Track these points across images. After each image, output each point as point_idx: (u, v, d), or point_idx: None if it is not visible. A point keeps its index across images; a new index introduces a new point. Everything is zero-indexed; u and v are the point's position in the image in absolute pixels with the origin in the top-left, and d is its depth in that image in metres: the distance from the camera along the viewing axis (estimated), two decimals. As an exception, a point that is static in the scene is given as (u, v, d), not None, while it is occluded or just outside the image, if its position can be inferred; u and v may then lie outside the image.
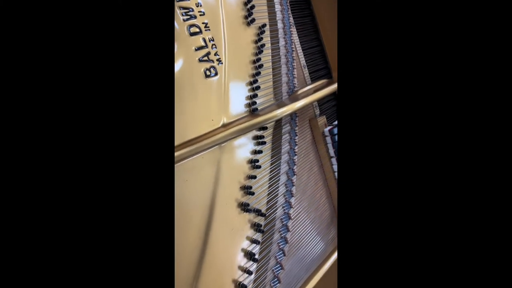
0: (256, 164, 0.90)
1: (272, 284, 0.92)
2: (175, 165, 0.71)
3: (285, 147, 1.02)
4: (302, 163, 1.09)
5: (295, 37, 1.13)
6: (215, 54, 0.83)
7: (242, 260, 0.85)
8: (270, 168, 0.96)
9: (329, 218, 1.18)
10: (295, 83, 1.08)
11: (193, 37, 0.78)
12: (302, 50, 1.15)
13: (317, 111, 1.18)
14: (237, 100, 0.88)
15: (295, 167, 1.04)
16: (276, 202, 0.97)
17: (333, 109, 1.26)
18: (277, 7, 1.05)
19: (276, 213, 0.96)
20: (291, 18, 1.11)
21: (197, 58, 0.79)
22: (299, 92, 1.08)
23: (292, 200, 1.01)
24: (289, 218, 1.00)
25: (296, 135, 1.06)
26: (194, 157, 0.75)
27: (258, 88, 0.93)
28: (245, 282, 0.83)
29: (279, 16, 1.05)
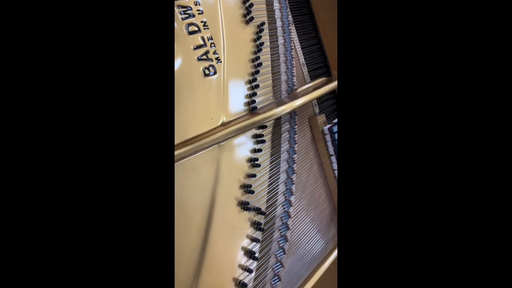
0: (256, 162, 0.90)
1: (272, 282, 0.92)
2: (175, 164, 0.71)
3: (285, 146, 1.02)
4: (302, 162, 1.09)
5: (294, 35, 1.12)
6: (214, 52, 0.83)
7: (242, 259, 0.85)
8: (270, 167, 0.96)
9: (329, 216, 1.18)
10: (294, 82, 1.08)
11: (191, 35, 0.78)
12: (301, 48, 1.15)
13: (317, 109, 1.18)
14: (236, 98, 0.88)
15: (294, 165, 1.04)
16: (276, 201, 0.97)
17: (332, 107, 1.26)
18: (276, 5, 1.04)
19: (276, 212, 0.96)
20: (290, 16, 1.11)
21: (195, 57, 0.79)
22: (298, 90, 1.08)
23: (292, 198, 1.01)
24: (289, 216, 1.00)
25: (296, 134, 1.06)
26: (193, 156, 0.75)
27: (257, 86, 0.93)
28: (246, 281, 0.83)
29: (277, 14, 1.05)
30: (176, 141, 0.72)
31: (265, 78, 0.97)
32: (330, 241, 1.16)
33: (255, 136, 0.92)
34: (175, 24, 0.75)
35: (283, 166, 1.01)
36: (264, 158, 0.94)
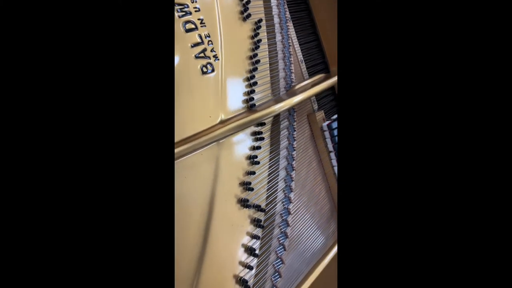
0: (255, 160, 0.91)
1: (273, 279, 0.93)
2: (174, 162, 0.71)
3: (284, 143, 1.02)
4: (301, 158, 1.09)
5: (291, 31, 1.12)
6: (212, 50, 0.83)
7: (242, 256, 0.85)
8: (269, 164, 0.97)
9: (329, 212, 1.18)
10: (292, 78, 1.08)
11: (188, 33, 0.78)
12: (299, 44, 1.15)
13: (315, 106, 1.18)
14: (234, 96, 0.88)
15: (294, 162, 1.04)
16: (275, 198, 0.97)
17: (331, 104, 1.26)
18: (273, 2, 1.04)
19: (275, 208, 0.97)
20: (287, 13, 1.11)
21: (193, 55, 0.78)
22: (297, 87, 1.08)
23: (292, 195, 1.02)
24: (289, 213, 1.00)
25: (295, 130, 1.06)
26: (192, 154, 0.75)
27: (255, 84, 0.93)
28: (246, 277, 0.84)
29: (275, 10, 1.05)
30: (175, 139, 0.72)
31: (263, 75, 0.97)
32: (330, 237, 1.16)
33: (254, 133, 0.92)
34: (172, 22, 0.75)
35: (282, 163, 1.01)
36: (263, 155, 0.95)
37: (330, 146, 1.14)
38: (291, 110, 1.06)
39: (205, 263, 0.76)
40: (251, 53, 0.94)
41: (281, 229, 0.98)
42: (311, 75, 1.18)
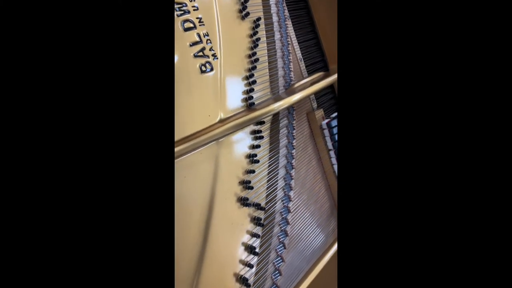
0: (255, 158, 0.91)
1: (273, 277, 0.93)
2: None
3: (283, 141, 1.03)
4: (301, 157, 1.09)
5: (290, 30, 1.12)
6: (210, 49, 0.82)
7: (242, 254, 0.85)
8: (269, 162, 0.97)
9: (329, 210, 1.18)
10: (291, 77, 1.08)
11: (187, 32, 0.78)
12: (298, 43, 1.15)
13: (315, 104, 1.18)
14: (233, 95, 0.88)
15: (293, 160, 1.04)
16: (275, 196, 0.97)
17: (330, 102, 1.26)
18: (272, 0, 1.04)
19: (275, 207, 0.97)
20: (286, 11, 1.11)
21: (192, 54, 0.78)
22: (296, 85, 1.08)
23: (291, 193, 1.02)
24: (289, 211, 1.00)
25: (294, 129, 1.06)
26: (192, 153, 0.75)
27: (254, 82, 0.93)
28: (247, 275, 0.84)
29: (273, 9, 1.04)
30: (174, 139, 0.72)
31: (262, 73, 0.97)
32: (330, 235, 1.16)
33: (253, 132, 0.92)
34: (171, 21, 0.75)
35: (282, 161, 1.01)
36: (262, 154, 0.95)
37: (330, 144, 1.14)
38: (290, 109, 1.06)
39: (205, 262, 0.76)
40: (250, 52, 0.94)
41: (281, 227, 0.98)
42: (310, 73, 1.18)
